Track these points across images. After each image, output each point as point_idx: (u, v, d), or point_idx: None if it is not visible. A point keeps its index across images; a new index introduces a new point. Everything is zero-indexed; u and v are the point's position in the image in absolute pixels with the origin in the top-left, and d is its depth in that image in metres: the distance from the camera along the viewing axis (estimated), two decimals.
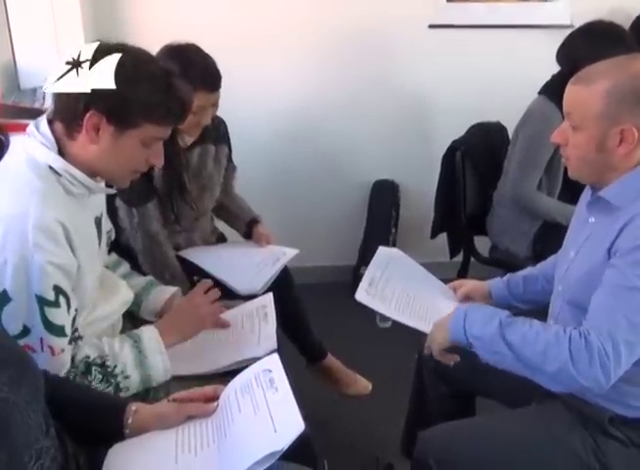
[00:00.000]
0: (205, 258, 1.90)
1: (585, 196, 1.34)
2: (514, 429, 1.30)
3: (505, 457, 1.27)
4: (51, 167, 1.18)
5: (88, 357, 1.23)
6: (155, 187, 1.80)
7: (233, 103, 2.50)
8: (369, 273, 1.53)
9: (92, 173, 1.23)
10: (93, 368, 1.23)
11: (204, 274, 1.81)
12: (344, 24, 2.69)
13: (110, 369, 1.24)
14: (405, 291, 1.51)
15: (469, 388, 1.58)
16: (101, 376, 1.23)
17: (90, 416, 1.06)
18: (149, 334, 1.33)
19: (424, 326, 1.40)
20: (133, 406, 1.07)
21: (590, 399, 1.24)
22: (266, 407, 0.97)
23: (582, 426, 1.24)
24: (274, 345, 1.42)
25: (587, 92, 1.15)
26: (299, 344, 2.10)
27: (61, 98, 1.18)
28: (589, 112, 1.15)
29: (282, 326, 1.64)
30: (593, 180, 1.23)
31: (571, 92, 1.20)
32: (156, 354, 1.29)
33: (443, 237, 2.53)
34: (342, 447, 1.97)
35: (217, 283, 1.77)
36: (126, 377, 1.25)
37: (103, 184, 1.32)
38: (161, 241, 1.81)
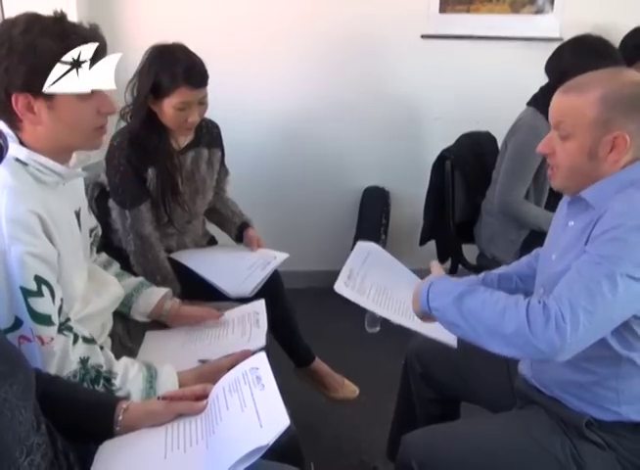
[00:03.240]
0: (196, 260, 1.91)
1: (564, 201, 1.36)
2: (495, 432, 1.32)
3: (486, 460, 1.29)
4: (17, 159, 1.18)
5: (100, 367, 1.24)
6: (148, 189, 1.81)
7: (226, 108, 2.52)
8: (348, 266, 1.53)
9: (63, 152, 1.23)
10: (101, 380, 1.23)
11: (195, 277, 1.83)
12: (338, 33, 2.72)
13: (114, 388, 1.24)
14: (382, 284, 1.52)
15: (453, 393, 1.60)
16: (104, 390, 1.23)
17: (81, 413, 1.07)
18: (167, 376, 1.29)
19: (398, 318, 1.43)
20: (124, 404, 1.08)
21: (568, 402, 1.26)
22: (253, 404, 0.99)
23: (561, 430, 1.27)
24: (264, 342, 1.44)
25: (581, 100, 1.16)
26: (288, 347, 2.12)
27: None
28: (583, 119, 1.16)
29: (271, 330, 1.66)
30: (575, 189, 1.24)
31: (563, 101, 1.21)
32: None
33: (432, 244, 2.56)
34: (329, 451, 1.99)
35: (208, 285, 1.79)
36: None
37: (78, 169, 1.31)
38: (153, 243, 1.82)
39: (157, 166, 1.81)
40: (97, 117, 1.23)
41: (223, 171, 2.11)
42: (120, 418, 1.06)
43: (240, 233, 2.08)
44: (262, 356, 1.08)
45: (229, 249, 2.08)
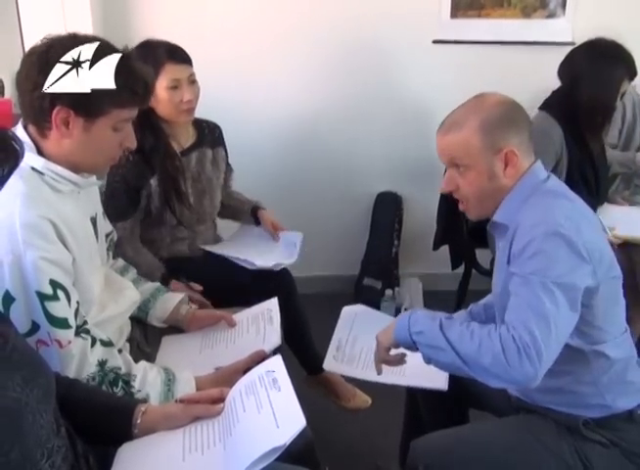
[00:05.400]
0: (226, 248, 2.01)
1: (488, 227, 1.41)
2: (502, 434, 1.33)
3: (492, 462, 1.29)
4: (33, 168, 1.21)
5: (119, 369, 1.25)
6: (136, 208, 1.85)
7: (235, 113, 2.55)
8: (335, 338, 1.57)
9: (73, 168, 1.26)
10: (120, 383, 1.25)
11: (209, 284, 1.83)
12: (349, 38, 2.73)
13: (133, 391, 1.26)
14: (373, 346, 1.50)
15: (459, 400, 1.58)
16: (123, 392, 1.25)
17: (100, 417, 1.08)
18: (186, 381, 1.31)
19: (387, 378, 1.45)
20: (142, 407, 1.09)
21: (557, 407, 1.29)
22: (269, 405, 0.99)
23: (565, 433, 1.28)
24: (278, 341, 1.46)
25: (462, 134, 1.26)
26: (300, 355, 2.12)
27: (24, 99, 1.20)
28: (472, 149, 1.25)
29: (284, 337, 1.68)
30: (493, 211, 1.30)
31: (448, 141, 1.29)
32: None
33: (445, 249, 2.56)
34: (344, 455, 1.98)
35: (221, 291, 1.80)
36: None
37: (94, 178, 1.35)
38: (126, 247, 1.83)
39: (158, 172, 1.85)
40: (117, 148, 1.29)
41: (228, 170, 2.16)
42: (139, 421, 1.07)
43: (254, 217, 2.14)
44: (278, 359, 1.09)
45: (254, 239, 2.13)
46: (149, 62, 1.73)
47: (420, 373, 1.45)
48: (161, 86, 1.80)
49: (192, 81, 1.86)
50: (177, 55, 1.82)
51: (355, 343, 1.56)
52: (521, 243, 1.19)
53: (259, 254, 1.96)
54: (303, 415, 0.94)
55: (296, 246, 2.02)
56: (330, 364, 1.50)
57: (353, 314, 1.66)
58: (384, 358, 1.34)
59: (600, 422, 1.26)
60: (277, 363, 1.08)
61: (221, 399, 1.10)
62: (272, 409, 0.98)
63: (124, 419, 1.07)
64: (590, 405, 1.26)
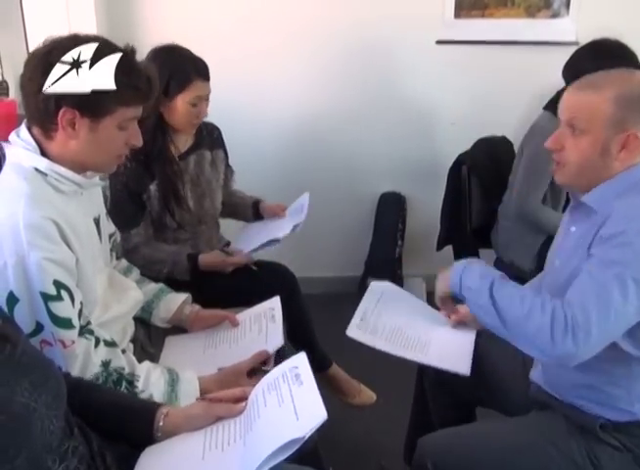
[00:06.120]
0: (246, 243, 1.98)
1: (569, 208, 1.38)
2: (511, 434, 1.33)
3: (502, 461, 1.29)
4: (37, 169, 1.21)
5: (122, 370, 1.26)
6: (142, 213, 1.84)
7: (237, 113, 2.54)
8: (361, 308, 1.56)
9: (79, 168, 1.26)
10: (124, 383, 1.25)
11: (214, 284, 1.83)
12: (352, 39, 2.73)
13: (137, 391, 1.26)
14: (398, 322, 1.54)
15: (468, 397, 1.59)
16: (126, 392, 1.25)
17: (121, 420, 1.07)
18: (189, 381, 1.31)
19: (413, 355, 1.45)
20: (164, 409, 1.08)
21: (581, 405, 1.27)
22: (290, 399, 0.99)
23: (578, 433, 1.27)
24: (281, 340, 1.46)
25: (597, 97, 1.18)
26: (305, 353, 2.11)
27: (29, 101, 1.20)
28: (598, 115, 1.18)
29: (288, 335, 1.68)
30: (584, 186, 1.25)
31: (578, 97, 1.23)
32: (190, 400, 1.25)
33: (449, 249, 2.55)
34: (348, 456, 1.98)
35: (226, 293, 1.80)
36: None
37: (96, 179, 1.35)
38: (144, 253, 1.84)
39: (158, 176, 1.85)
40: (123, 147, 1.29)
41: (229, 171, 2.15)
42: (161, 424, 1.06)
43: (255, 211, 2.13)
44: (302, 356, 1.09)
45: (262, 224, 2.12)
46: (177, 74, 1.76)
47: (444, 354, 1.46)
48: (184, 100, 1.80)
49: (207, 98, 1.87)
50: (204, 71, 1.82)
51: (379, 318, 1.55)
52: (612, 229, 1.14)
53: (275, 229, 1.95)
54: (325, 409, 0.93)
55: (303, 206, 2.00)
56: (353, 331, 1.48)
57: (380, 292, 1.65)
58: (440, 304, 1.42)
59: (618, 426, 1.24)
60: (300, 360, 1.08)
61: (243, 399, 1.09)
62: (293, 403, 0.98)
63: (146, 422, 1.06)
64: (616, 408, 1.24)
